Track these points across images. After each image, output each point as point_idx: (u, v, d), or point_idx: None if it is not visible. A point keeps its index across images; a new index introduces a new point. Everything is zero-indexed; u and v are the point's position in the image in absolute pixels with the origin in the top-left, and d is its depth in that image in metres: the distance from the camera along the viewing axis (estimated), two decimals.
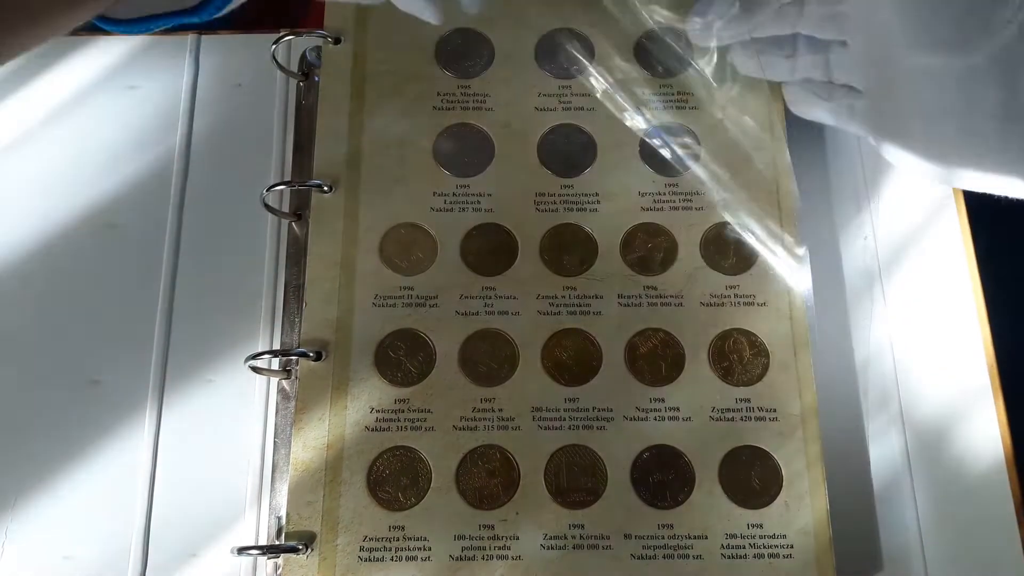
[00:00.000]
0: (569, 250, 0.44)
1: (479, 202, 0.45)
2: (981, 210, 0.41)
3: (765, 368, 0.42)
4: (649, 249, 0.44)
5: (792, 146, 0.45)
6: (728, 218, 0.44)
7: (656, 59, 0.47)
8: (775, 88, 0.46)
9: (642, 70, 0.48)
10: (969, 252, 0.39)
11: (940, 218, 0.42)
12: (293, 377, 0.43)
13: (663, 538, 0.40)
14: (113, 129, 0.49)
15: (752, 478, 0.40)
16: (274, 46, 0.46)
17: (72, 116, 0.49)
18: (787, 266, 0.43)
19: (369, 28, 0.48)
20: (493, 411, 0.42)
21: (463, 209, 0.45)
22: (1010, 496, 0.34)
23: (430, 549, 0.40)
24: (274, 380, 0.44)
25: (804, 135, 0.47)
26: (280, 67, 0.47)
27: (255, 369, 0.42)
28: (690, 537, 0.40)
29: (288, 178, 0.47)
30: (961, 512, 0.40)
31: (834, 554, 0.39)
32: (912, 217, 0.44)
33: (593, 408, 0.42)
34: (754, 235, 0.44)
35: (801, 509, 0.40)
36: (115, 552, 0.41)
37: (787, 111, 0.46)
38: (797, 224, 0.44)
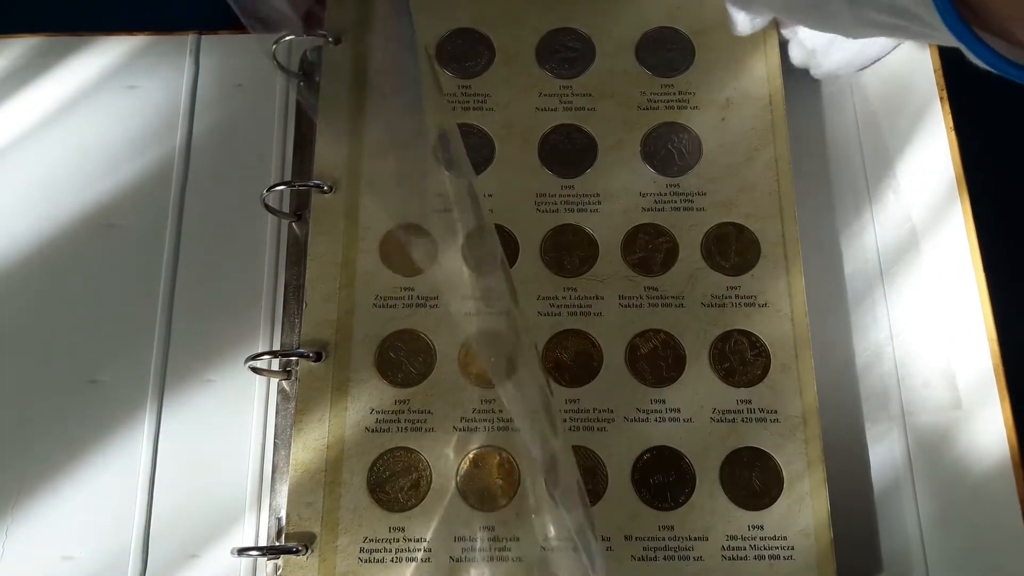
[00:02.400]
0: (570, 251, 0.44)
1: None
2: (986, 208, 0.41)
3: (766, 369, 0.42)
4: (650, 250, 0.44)
5: (792, 146, 0.45)
6: (729, 219, 0.44)
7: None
8: (776, 86, 0.46)
9: (643, 69, 0.47)
10: (974, 251, 0.39)
11: (943, 217, 0.41)
12: (293, 378, 0.43)
13: (664, 539, 0.40)
14: (113, 129, 0.49)
15: (753, 479, 0.40)
16: (275, 46, 0.46)
17: (72, 116, 0.49)
18: (787, 267, 0.43)
19: (370, 28, 0.48)
20: (493, 412, 0.42)
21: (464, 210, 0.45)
22: (1016, 498, 0.34)
23: (430, 550, 0.40)
24: (274, 381, 0.44)
25: (805, 135, 0.47)
26: (281, 67, 0.47)
27: (255, 370, 0.42)
28: (691, 539, 0.40)
29: (288, 178, 0.47)
30: (963, 514, 0.40)
31: (835, 556, 0.39)
32: (914, 217, 0.44)
33: (594, 409, 0.42)
34: (755, 236, 0.44)
35: (802, 510, 0.40)
36: (115, 552, 0.41)
37: (788, 110, 0.46)
38: (798, 224, 0.44)
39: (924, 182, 0.43)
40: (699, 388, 0.42)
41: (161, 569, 0.41)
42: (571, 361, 0.42)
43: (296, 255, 0.46)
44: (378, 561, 0.39)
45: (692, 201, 0.45)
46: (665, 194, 0.45)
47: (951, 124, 0.43)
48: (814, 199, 0.47)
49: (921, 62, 0.42)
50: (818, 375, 0.42)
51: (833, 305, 0.45)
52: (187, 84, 0.49)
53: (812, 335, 0.42)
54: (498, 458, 0.41)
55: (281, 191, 0.47)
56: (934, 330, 0.43)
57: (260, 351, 0.43)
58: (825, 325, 0.44)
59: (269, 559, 0.40)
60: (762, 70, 0.47)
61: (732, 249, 0.44)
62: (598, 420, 0.41)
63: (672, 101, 0.47)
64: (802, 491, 0.40)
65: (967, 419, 0.38)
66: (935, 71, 0.41)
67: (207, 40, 0.50)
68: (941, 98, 0.42)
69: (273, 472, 0.42)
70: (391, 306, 0.43)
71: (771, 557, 0.39)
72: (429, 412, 0.42)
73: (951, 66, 0.42)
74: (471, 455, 0.41)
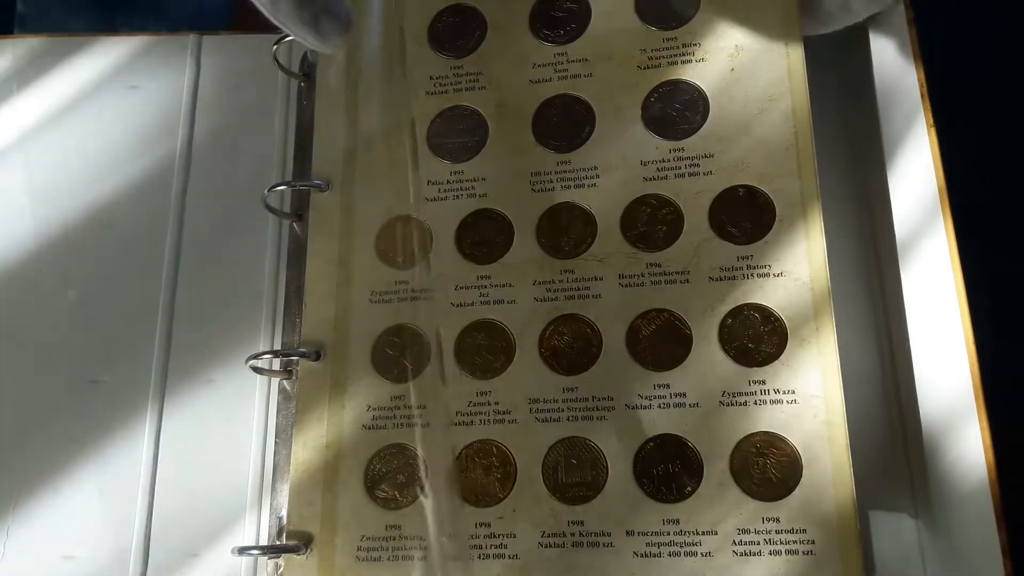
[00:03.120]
0: (566, 231, 0.41)
1: (473, 187, 0.43)
2: (968, 221, 0.37)
3: (782, 345, 0.38)
4: (652, 223, 0.40)
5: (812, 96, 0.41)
6: (739, 181, 0.40)
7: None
8: (793, 24, 0.42)
9: (644, 24, 0.44)
10: (955, 262, 0.36)
11: (925, 231, 0.37)
12: (294, 377, 0.42)
13: (669, 534, 0.36)
14: (114, 129, 0.49)
15: (768, 467, 0.36)
16: (275, 46, 0.46)
17: (73, 116, 0.49)
18: (807, 229, 0.39)
19: (363, 21, 0.47)
20: (489, 404, 0.40)
21: (457, 197, 0.43)
22: (992, 511, 0.31)
23: (427, 548, 0.38)
24: (275, 380, 0.43)
25: (826, 82, 0.43)
26: (281, 67, 0.47)
27: (256, 369, 0.42)
28: (698, 533, 0.36)
29: (289, 178, 0.47)
30: (955, 523, 0.35)
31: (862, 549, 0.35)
32: (900, 231, 0.39)
33: (593, 397, 0.39)
34: (769, 197, 0.40)
35: (824, 499, 0.35)
36: (116, 552, 0.42)
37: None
38: (818, 181, 0.39)
39: (907, 190, 0.39)
40: (707, 370, 0.38)
41: (162, 568, 0.41)
42: (568, 347, 0.40)
43: (297, 255, 0.45)
44: (375, 560, 0.38)
45: (698, 165, 0.41)
46: (668, 160, 0.41)
47: (931, 121, 0.39)
48: (834, 154, 0.42)
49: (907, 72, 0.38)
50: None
51: (854, 271, 0.40)
52: (188, 84, 0.49)
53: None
54: (494, 452, 0.39)
55: (282, 191, 0.46)
56: (926, 334, 0.38)
57: (261, 351, 0.43)
58: (846, 292, 0.39)
59: (270, 558, 0.40)
60: (777, 8, 0.42)
61: (743, 215, 0.40)
62: (597, 409, 0.39)
63: (675, 56, 0.43)
64: (824, 478, 0.36)
65: (952, 430, 0.35)
66: (920, 84, 0.38)
67: (208, 40, 0.50)
68: (922, 95, 0.38)
69: (274, 471, 0.42)
70: (387, 301, 0.42)
71: (788, 552, 0.35)
72: (424, 407, 0.40)
73: (937, 72, 0.38)
74: (467, 450, 0.39)
